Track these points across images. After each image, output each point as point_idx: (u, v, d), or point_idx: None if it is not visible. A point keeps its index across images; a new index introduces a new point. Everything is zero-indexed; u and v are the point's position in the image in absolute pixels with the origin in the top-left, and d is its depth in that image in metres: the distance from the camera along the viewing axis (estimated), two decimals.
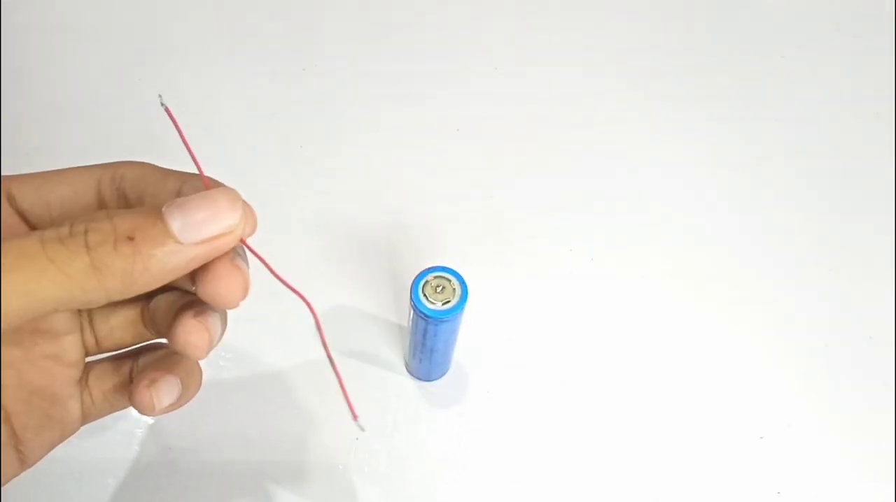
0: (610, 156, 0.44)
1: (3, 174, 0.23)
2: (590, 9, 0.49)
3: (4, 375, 0.23)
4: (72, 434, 0.25)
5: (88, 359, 0.25)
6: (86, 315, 0.25)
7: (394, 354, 0.37)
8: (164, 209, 0.19)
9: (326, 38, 0.47)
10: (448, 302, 0.30)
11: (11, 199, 0.23)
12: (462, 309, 0.30)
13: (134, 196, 0.23)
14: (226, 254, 0.21)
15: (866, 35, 0.49)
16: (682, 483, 0.35)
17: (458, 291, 0.30)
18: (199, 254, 0.20)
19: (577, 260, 0.41)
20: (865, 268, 0.41)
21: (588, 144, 0.44)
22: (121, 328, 0.25)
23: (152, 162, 0.24)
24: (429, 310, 0.30)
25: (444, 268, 0.31)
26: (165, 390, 0.23)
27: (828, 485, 0.36)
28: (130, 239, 0.19)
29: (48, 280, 0.18)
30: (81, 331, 0.24)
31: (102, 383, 0.25)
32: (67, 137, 0.43)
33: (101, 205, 0.23)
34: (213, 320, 0.23)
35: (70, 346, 0.24)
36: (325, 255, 0.40)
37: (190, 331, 0.22)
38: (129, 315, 0.25)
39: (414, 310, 0.31)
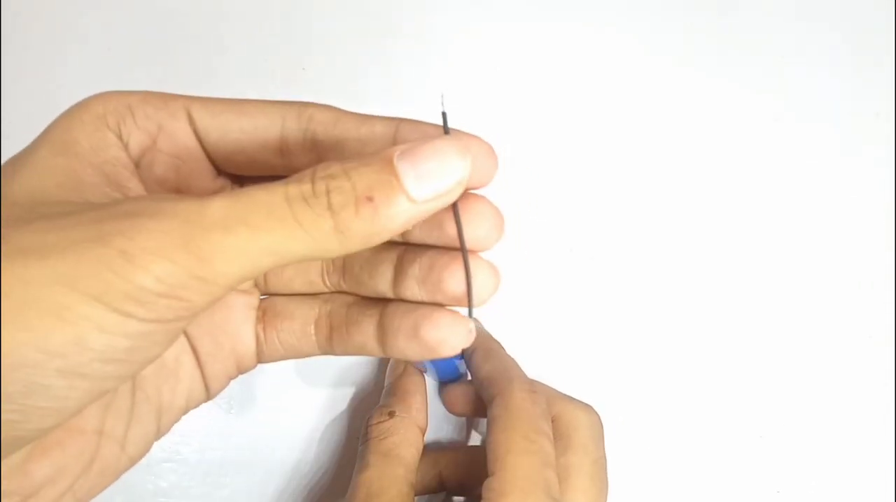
0: (609, 156, 0.44)
1: (182, 94, 0.22)
2: (589, 9, 0.49)
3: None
4: (248, 369, 0.25)
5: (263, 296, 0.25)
6: None
7: None
8: (395, 162, 0.18)
9: (326, 38, 0.47)
10: None
11: (191, 121, 0.22)
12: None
13: (327, 140, 0.22)
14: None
15: (866, 34, 0.49)
16: (682, 482, 0.35)
17: None
18: (429, 209, 0.19)
19: (577, 260, 0.41)
20: (865, 268, 0.41)
21: (588, 143, 0.44)
22: (292, 275, 0.25)
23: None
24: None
25: None
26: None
27: (828, 485, 0.36)
28: (370, 199, 0.18)
29: (296, 241, 0.18)
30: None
31: (277, 326, 0.25)
32: None
33: (283, 145, 0.23)
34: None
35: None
36: None
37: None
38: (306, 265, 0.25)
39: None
